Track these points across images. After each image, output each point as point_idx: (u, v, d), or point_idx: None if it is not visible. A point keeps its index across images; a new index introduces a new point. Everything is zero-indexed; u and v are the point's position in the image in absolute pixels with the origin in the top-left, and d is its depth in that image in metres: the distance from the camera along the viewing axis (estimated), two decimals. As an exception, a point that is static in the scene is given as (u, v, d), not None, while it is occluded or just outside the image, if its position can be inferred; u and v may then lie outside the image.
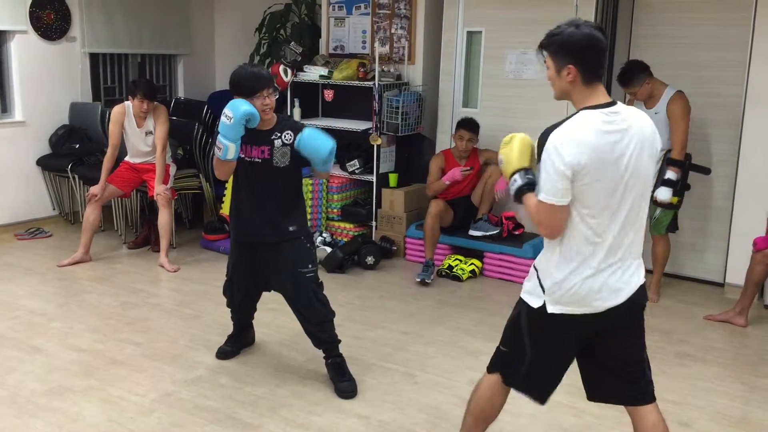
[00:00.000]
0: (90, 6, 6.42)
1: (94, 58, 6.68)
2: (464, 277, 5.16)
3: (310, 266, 3.40)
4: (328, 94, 6.02)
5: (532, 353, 2.39)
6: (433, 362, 3.82)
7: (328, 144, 3.24)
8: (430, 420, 3.21)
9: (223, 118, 3.19)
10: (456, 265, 5.23)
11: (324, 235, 5.71)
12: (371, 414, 3.25)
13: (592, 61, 2.20)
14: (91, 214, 5.32)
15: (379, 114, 5.64)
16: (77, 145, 6.11)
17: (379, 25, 6.12)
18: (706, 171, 4.80)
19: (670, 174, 4.59)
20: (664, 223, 4.79)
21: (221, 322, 4.12)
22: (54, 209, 6.41)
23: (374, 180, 5.75)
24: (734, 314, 4.45)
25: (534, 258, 5.08)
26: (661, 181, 4.60)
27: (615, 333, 2.38)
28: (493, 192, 5.32)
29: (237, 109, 3.15)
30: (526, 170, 2.33)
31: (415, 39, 5.95)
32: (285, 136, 3.34)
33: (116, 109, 5.36)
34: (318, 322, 3.43)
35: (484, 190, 5.41)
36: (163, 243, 5.35)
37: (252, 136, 3.31)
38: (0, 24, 5.82)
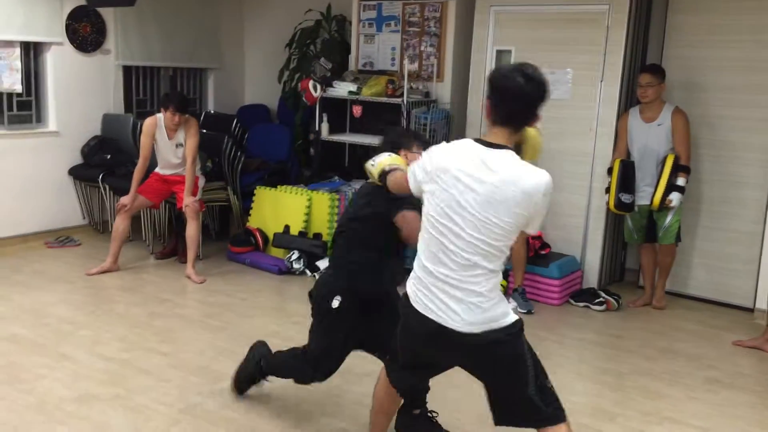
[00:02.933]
0: (125, 19, 6.54)
1: (127, 70, 6.79)
2: (489, 295, 5.13)
3: None
4: (357, 110, 6.06)
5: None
6: (455, 385, 3.79)
7: None
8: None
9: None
10: (481, 284, 5.20)
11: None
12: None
13: (503, 104, 2.27)
14: (120, 224, 5.39)
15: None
16: (108, 156, 6.20)
17: (408, 43, 6.16)
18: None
19: (680, 180, 4.84)
20: (673, 231, 4.96)
21: (247, 335, 4.14)
22: (84, 218, 6.50)
23: (400, 196, 5.76)
24: (764, 340, 4.38)
25: (560, 278, 5.09)
26: (672, 187, 4.83)
27: (472, 364, 2.43)
28: (520, 258, 4.95)
29: None
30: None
31: (445, 57, 5.98)
32: None
33: (148, 121, 5.44)
34: None
35: (512, 257, 4.75)
36: (190, 254, 5.40)
37: None
38: (37, 35, 5.95)
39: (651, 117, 4.92)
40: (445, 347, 2.38)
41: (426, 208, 2.38)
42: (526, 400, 2.35)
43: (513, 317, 2.36)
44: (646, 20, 5.38)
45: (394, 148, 2.98)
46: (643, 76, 4.91)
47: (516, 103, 2.25)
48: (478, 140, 2.32)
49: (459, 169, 2.27)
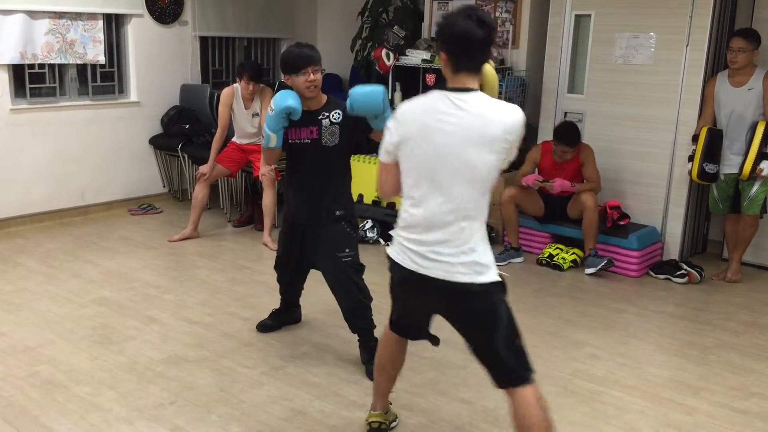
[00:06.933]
0: (201, -10, 6.64)
1: (203, 41, 6.90)
2: (565, 266, 5.07)
3: (347, 251, 3.44)
4: (430, 79, 6.00)
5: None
6: (536, 351, 3.77)
7: (378, 90, 3.12)
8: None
9: (268, 110, 3.29)
10: (557, 254, 5.14)
11: (422, 219, 5.74)
12: (474, 399, 3.25)
13: (461, 52, 2.32)
14: (200, 193, 5.53)
15: (481, 99, 5.58)
16: (187, 126, 6.35)
17: (483, 9, 6.04)
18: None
19: None
20: (759, 201, 4.77)
21: (326, 301, 4.21)
22: (164, 187, 6.69)
23: (474, 165, 5.71)
24: None
25: (639, 249, 4.97)
26: (763, 155, 4.61)
27: (454, 315, 2.50)
28: (592, 224, 4.96)
29: (277, 104, 3.23)
30: None
31: (521, 23, 5.86)
32: (333, 116, 3.36)
33: (226, 91, 5.53)
34: (353, 306, 3.46)
35: (583, 224, 5.00)
36: (267, 222, 5.50)
37: (301, 118, 3.32)
38: (119, 8, 6.10)
39: (741, 81, 4.72)
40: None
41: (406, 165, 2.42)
42: (496, 354, 2.43)
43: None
44: (735, -19, 5.14)
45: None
46: (735, 40, 4.69)
47: (474, 48, 2.31)
48: (444, 89, 2.36)
49: (433, 119, 2.31)
